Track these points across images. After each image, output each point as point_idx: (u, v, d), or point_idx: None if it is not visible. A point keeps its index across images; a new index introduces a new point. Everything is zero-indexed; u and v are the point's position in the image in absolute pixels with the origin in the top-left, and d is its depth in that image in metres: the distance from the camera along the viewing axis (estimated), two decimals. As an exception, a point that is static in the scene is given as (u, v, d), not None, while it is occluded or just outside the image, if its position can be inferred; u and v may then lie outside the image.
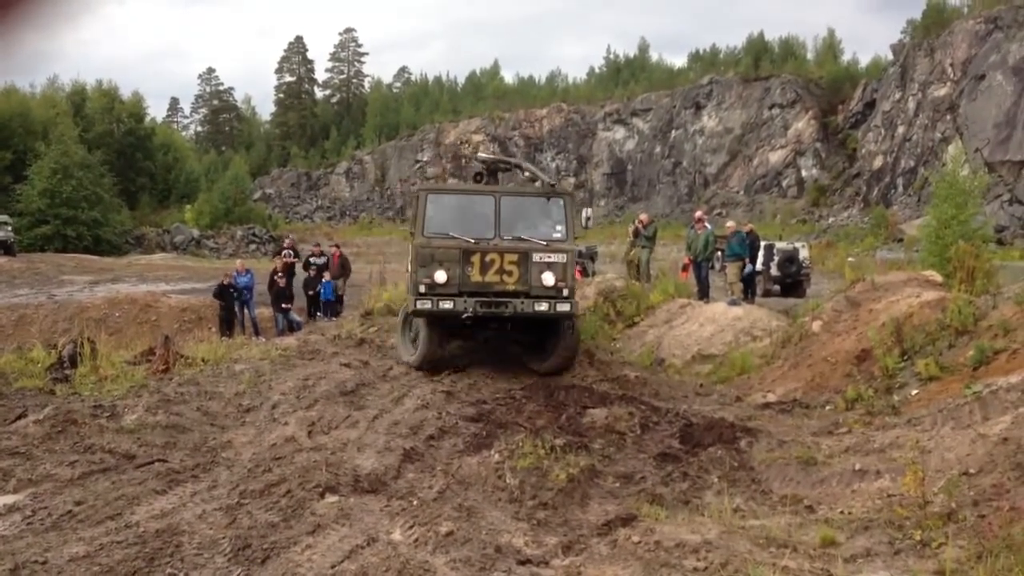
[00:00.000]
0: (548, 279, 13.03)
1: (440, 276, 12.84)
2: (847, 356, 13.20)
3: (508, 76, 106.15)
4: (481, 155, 14.73)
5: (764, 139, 68.23)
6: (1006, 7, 50.49)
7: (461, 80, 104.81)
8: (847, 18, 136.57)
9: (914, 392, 11.66)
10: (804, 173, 65.44)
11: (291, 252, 24.12)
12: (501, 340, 14.35)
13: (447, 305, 12.84)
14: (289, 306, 20.54)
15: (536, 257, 13.08)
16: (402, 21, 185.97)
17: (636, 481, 9.25)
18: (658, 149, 75.47)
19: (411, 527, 7.77)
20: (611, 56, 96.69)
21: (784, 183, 65.94)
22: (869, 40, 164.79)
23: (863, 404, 11.66)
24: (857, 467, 9.03)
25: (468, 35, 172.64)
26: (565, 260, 13.22)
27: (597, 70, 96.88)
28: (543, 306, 13.02)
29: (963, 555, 6.67)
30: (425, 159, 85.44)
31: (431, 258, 12.96)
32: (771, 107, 68.72)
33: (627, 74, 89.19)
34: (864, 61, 74.88)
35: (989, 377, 10.75)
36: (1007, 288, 13.31)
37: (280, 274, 20.94)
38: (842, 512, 8.21)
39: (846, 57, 77.21)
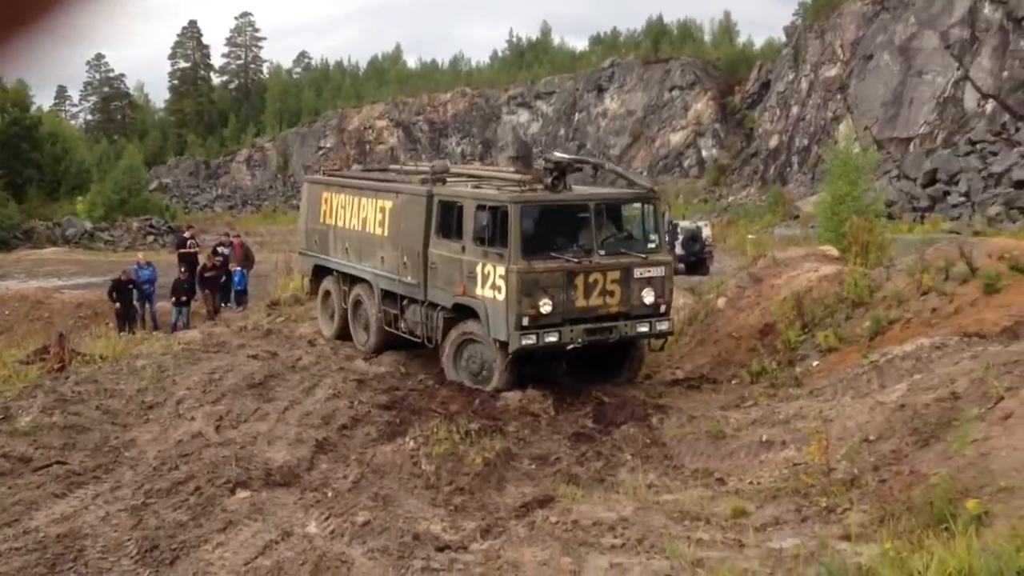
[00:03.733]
0: (648, 296, 11.69)
1: (546, 305, 11.14)
2: (751, 331, 13.56)
3: (411, 61, 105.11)
4: (557, 155, 12.58)
5: (665, 120, 69.37)
6: (891, -11, 52.36)
7: (363, 65, 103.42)
8: (742, 1, 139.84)
9: (815, 363, 12.06)
10: (704, 153, 66.81)
11: (194, 243, 23.38)
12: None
13: (552, 338, 11.25)
14: (185, 299, 19.73)
15: (637, 273, 11.67)
16: (301, 6, 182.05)
17: (551, 462, 9.31)
18: (562, 132, 75.94)
19: (326, 519, 7.66)
20: (514, 40, 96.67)
21: (685, 163, 67.20)
22: (763, 23, 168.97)
23: (767, 377, 12.00)
24: (764, 438, 9.29)
25: (368, 20, 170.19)
26: (664, 274, 11.94)
27: (500, 54, 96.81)
28: (644, 327, 11.78)
29: (867, 519, 6.92)
30: (328, 145, 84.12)
31: (535, 285, 11.15)
32: (671, 89, 69.85)
33: (530, 57, 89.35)
34: (759, 43, 76.84)
35: (885, 346, 11.20)
36: (899, 260, 13.87)
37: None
38: (751, 483, 8.44)
39: (742, 39, 79.13)
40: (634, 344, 12.44)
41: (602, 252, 11.61)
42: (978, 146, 41.75)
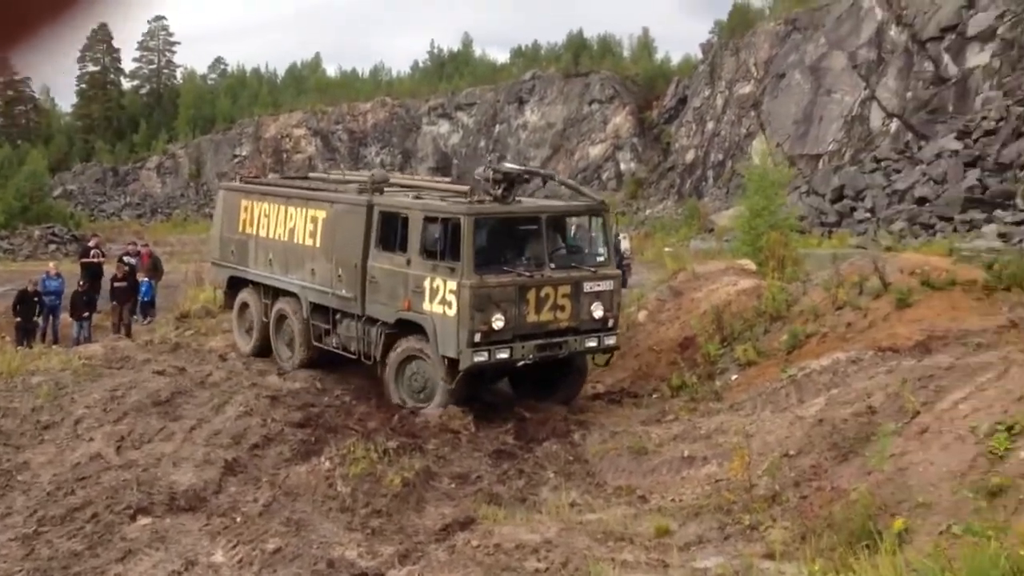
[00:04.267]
0: (597, 311, 11.48)
1: (499, 321, 10.79)
2: (671, 344, 13.57)
3: (330, 69, 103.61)
4: (506, 165, 12.25)
5: (585, 133, 69.96)
6: (803, 10, 53.90)
7: (281, 73, 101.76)
8: (660, 18, 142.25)
9: (734, 377, 12.10)
10: (623, 167, 67.53)
11: (99, 252, 22.42)
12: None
13: (504, 355, 10.94)
14: (87, 313, 18.69)
15: (587, 287, 11.46)
16: (218, 12, 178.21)
17: (472, 481, 9.09)
18: (483, 143, 75.91)
19: (234, 547, 7.28)
20: (435, 50, 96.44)
21: (604, 176, 67.82)
22: (680, 39, 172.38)
23: (688, 391, 11.99)
24: (686, 454, 9.24)
25: (287, 27, 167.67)
26: (612, 287, 11.78)
27: (421, 64, 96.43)
28: (592, 342, 11.64)
29: (788, 536, 6.89)
30: (244, 153, 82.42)
31: (488, 299, 10.78)
32: (591, 102, 70.53)
33: (451, 69, 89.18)
34: (676, 59, 78.16)
35: (802, 360, 11.30)
36: (815, 275, 14.07)
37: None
38: (673, 500, 8.36)
39: (659, 55, 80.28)
40: (580, 359, 12.23)
41: (552, 266, 11.40)
42: (883, 163, 43.10)
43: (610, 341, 11.91)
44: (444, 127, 79.38)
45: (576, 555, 6.74)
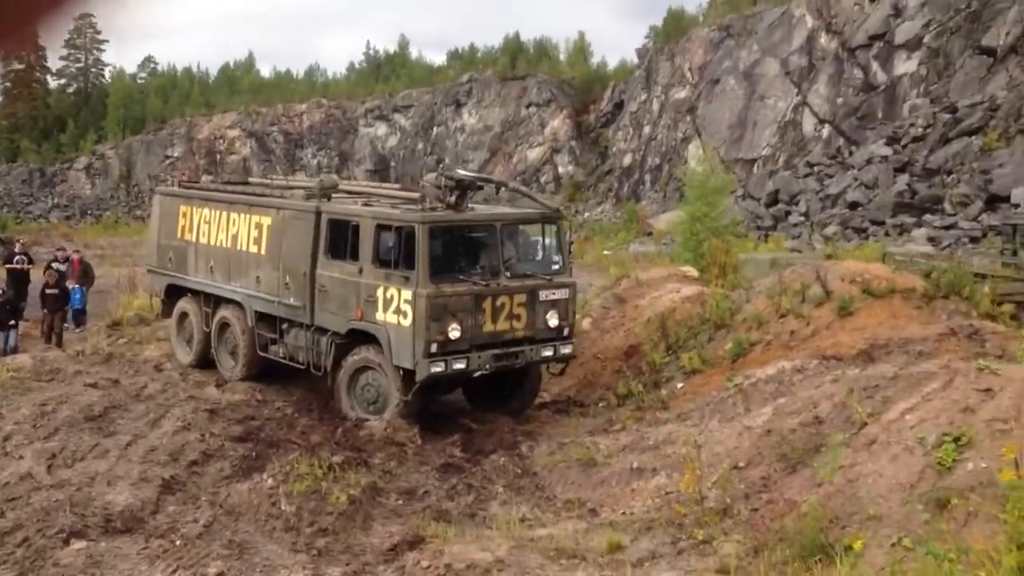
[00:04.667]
0: (553, 319, 11.38)
1: (455, 331, 10.62)
2: (616, 352, 13.55)
3: (264, 70, 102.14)
4: (460, 172, 12.03)
5: (523, 137, 70.11)
6: (736, 16, 54.80)
7: (214, 72, 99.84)
8: (596, 22, 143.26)
9: (680, 386, 12.13)
10: (561, 170, 67.87)
11: (25, 257, 21.60)
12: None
13: (460, 365, 10.78)
14: (14, 323, 17.88)
15: (543, 295, 11.34)
16: (150, 9, 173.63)
17: (420, 497, 8.92)
18: (420, 146, 75.60)
19: (174, 571, 7.03)
20: (371, 52, 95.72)
21: (543, 179, 68.03)
22: (617, 44, 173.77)
23: (634, 400, 11.98)
24: (635, 465, 9.21)
25: (219, 26, 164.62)
26: (568, 296, 11.68)
27: (357, 66, 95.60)
28: (548, 351, 11.52)
29: (741, 550, 6.88)
30: (176, 155, 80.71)
31: (444, 309, 10.61)
32: (528, 106, 70.72)
33: (388, 71, 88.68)
34: (612, 64, 78.82)
35: (747, 368, 11.37)
36: (757, 282, 14.19)
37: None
38: (624, 513, 8.32)
39: (595, 60, 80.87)
40: (535, 368, 12.11)
41: (508, 274, 11.27)
42: (815, 168, 44.02)
43: (566, 350, 11.85)
44: (381, 129, 78.80)
45: (529, 574, 6.64)
